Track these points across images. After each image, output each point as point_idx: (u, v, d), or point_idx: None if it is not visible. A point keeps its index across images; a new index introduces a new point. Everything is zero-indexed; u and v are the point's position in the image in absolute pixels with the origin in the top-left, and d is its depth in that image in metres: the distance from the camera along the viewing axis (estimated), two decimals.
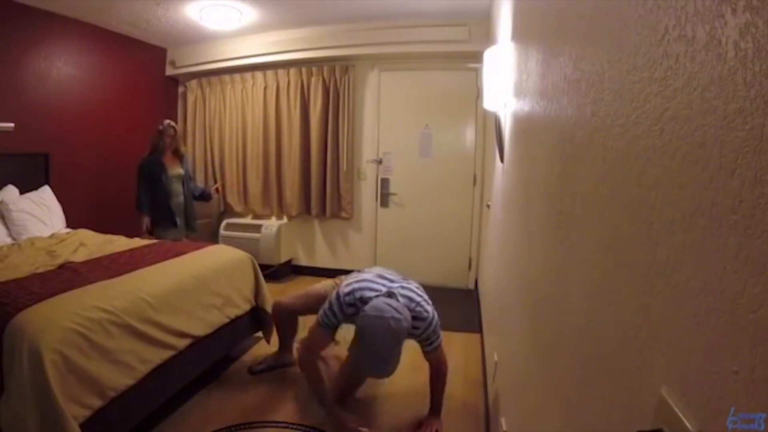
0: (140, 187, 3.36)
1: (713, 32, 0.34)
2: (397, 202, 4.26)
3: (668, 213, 0.41)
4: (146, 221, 3.38)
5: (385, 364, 1.66)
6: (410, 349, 1.97)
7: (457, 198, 4.11)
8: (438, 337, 1.93)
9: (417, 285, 1.99)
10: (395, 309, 1.68)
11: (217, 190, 3.80)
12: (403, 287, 1.89)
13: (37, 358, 1.41)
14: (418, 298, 1.87)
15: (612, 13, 0.59)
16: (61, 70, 3.56)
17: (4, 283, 1.85)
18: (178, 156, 3.52)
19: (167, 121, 3.46)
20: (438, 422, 2.01)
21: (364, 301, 1.79)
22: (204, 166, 4.68)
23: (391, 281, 1.94)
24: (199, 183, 4.42)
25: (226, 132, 4.56)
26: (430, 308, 1.88)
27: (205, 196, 3.74)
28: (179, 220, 3.42)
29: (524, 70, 1.37)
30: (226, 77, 4.49)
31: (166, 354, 1.90)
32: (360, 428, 1.88)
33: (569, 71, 0.79)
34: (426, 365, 2.01)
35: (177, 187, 3.46)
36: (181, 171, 3.50)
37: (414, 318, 1.79)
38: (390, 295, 1.80)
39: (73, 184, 3.65)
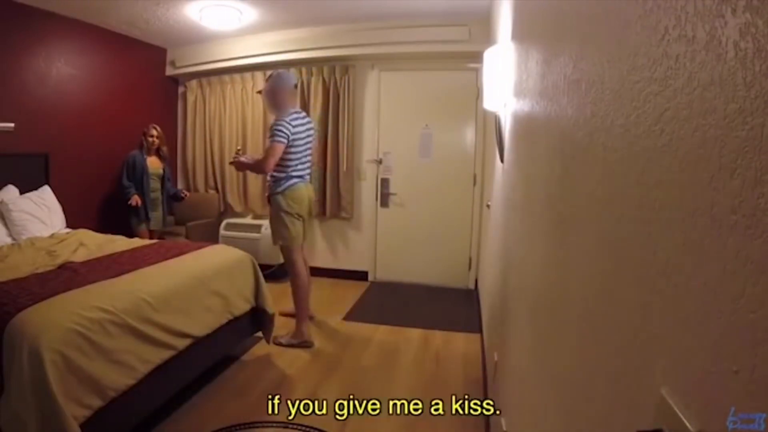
0: (126, 174, 3.66)
1: (713, 32, 0.34)
2: (397, 202, 4.26)
3: (668, 213, 0.41)
4: (136, 199, 3.61)
5: None
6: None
7: (457, 198, 4.10)
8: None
9: None
10: None
11: (185, 195, 4.15)
12: None
13: (37, 358, 1.41)
14: None
15: (612, 13, 0.59)
16: (61, 70, 3.56)
17: (4, 283, 1.85)
18: (160, 156, 3.87)
19: (151, 125, 3.84)
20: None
21: None
22: (204, 166, 4.69)
23: None
24: (200, 183, 4.72)
25: (226, 132, 4.56)
26: None
27: (177, 197, 4.09)
28: (152, 215, 3.76)
29: (524, 70, 1.37)
30: (226, 77, 4.48)
31: (167, 354, 1.90)
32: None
33: (569, 71, 0.79)
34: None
35: (155, 184, 3.82)
36: (161, 171, 3.86)
37: None
38: None
39: (73, 184, 3.64)
